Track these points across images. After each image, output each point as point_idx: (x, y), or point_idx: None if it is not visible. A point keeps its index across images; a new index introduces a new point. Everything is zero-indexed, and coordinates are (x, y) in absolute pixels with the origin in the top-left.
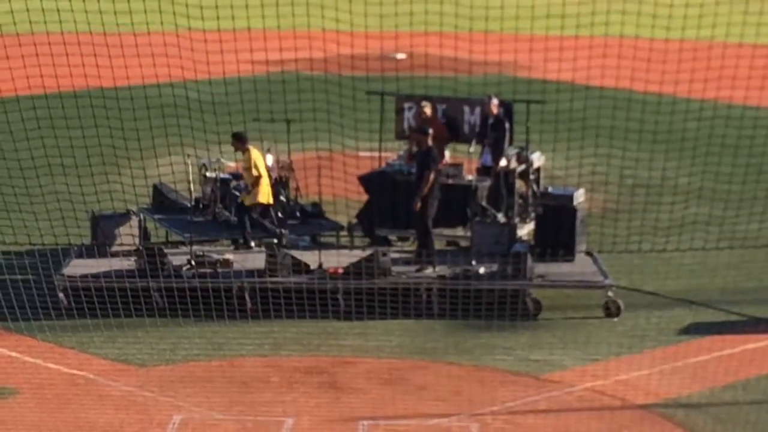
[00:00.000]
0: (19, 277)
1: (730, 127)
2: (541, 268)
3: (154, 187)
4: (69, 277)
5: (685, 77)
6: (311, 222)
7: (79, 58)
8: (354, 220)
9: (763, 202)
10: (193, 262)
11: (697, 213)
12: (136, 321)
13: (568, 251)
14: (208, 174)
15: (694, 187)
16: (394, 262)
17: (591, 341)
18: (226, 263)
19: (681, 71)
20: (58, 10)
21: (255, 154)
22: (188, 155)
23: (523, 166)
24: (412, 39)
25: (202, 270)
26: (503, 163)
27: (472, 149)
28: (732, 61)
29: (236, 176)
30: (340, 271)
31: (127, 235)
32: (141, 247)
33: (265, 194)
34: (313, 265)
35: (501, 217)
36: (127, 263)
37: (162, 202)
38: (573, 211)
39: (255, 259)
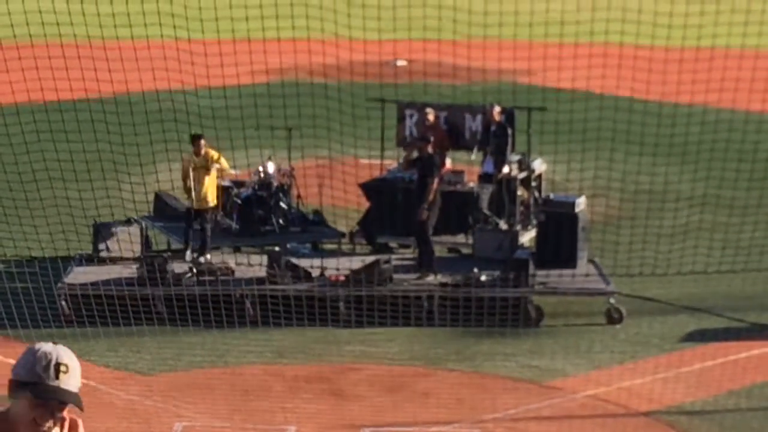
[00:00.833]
0: (19, 285)
1: (733, 131)
2: (543, 275)
3: (156, 195)
4: (70, 285)
5: (687, 79)
6: (312, 229)
7: (78, 70)
8: (355, 228)
9: None
10: (194, 270)
11: (701, 220)
12: (138, 329)
13: (570, 258)
14: None
15: (697, 194)
16: (396, 269)
17: (593, 348)
18: (228, 271)
19: (683, 72)
20: (58, 24)
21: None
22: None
23: (524, 173)
24: (411, 45)
25: (204, 278)
26: (506, 170)
27: (473, 156)
28: (734, 63)
29: (237, 184)
30: (342, 278)
31: (129, 243)
32: (142, 256)
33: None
34: (315, 273)
35: (503, 224)
36: (129, 271)
37: (163, 209)
38: (575, 218)
39: (256, 266)
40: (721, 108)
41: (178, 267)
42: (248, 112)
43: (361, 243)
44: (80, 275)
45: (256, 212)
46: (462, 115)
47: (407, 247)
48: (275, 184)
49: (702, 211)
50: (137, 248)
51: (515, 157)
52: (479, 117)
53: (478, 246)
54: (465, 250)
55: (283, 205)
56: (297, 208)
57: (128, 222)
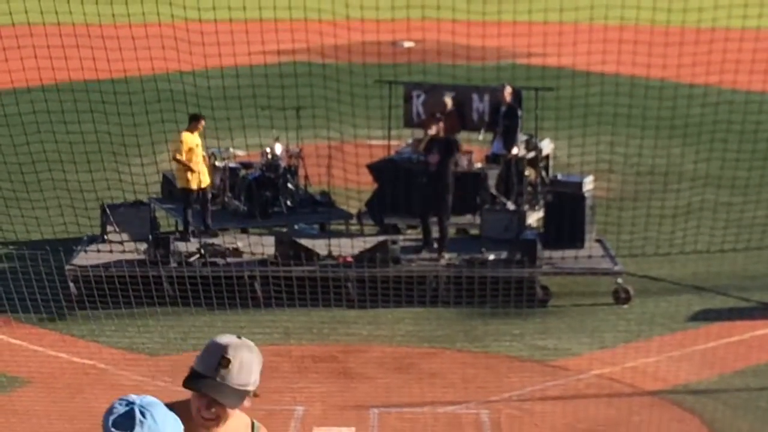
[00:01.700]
0: (30, 267)
1: (735, 112)
2: (550, 255)
3: (164, 176)
4: (80, 266)
5: (688, 61)
6: (321, 210)
7: (89, 50)
8: (363, 209)
9: None
10: (202, 251)
11: (703, 200)
12: (147, 310)
13: (578, 238)
14: (217, 163)
15: (699, 174)
16: (404, 250)
17: (601, 328)
18: (236, 252)
19: (683, 55)
20: (69, 2)
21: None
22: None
23: (532, 154)
24: (423, 24)
25: (212, 259)
26: (515, 151)
27: (481, 137)
28: (735, 45)
29: (246, 165)
30: (350, 259)
31: (137, 224)
32: (151, 237)
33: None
34: (323, 254)
35: (510, 205)
36: (137, 253)
37: (172, 191)
38: (582, 197)
39: (264, 247)
40: (722, 88)
41: (186, 248)
42: (259, 92)
43: (368, 224)
44: (89, 257)
45: (263, 194)
46: (469, 96)
47: (415, 227)
48: (283, 165)
49: (704, 191)
50: (146, 230)
51: (523, 138)
52: (486, 97)
53: (485, 226)
54: (473, 231)
55: (290, 186)
56: (305, 189)
57: (136, 203)
